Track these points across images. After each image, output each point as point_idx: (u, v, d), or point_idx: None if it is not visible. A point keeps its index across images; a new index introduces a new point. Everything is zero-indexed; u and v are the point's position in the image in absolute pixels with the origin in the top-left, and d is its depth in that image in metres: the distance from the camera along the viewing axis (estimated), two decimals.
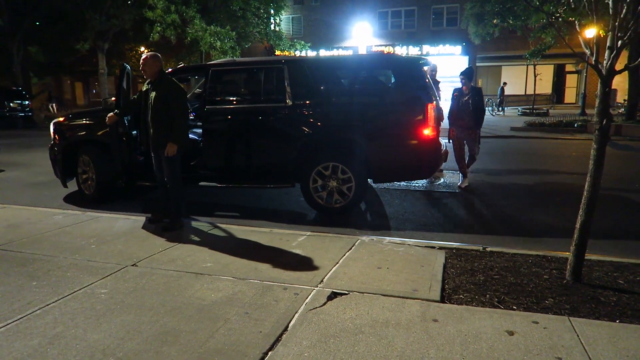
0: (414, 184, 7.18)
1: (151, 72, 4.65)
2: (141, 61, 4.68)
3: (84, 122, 6.29)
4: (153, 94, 4.64)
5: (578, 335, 2.65)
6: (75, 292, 3.27)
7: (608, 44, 3.18)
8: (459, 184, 7.04)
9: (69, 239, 4.48)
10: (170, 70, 6.16)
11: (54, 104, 27.19)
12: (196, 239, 4.50)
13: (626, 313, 2.94)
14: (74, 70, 33.83)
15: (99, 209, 5.77)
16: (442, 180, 7.57)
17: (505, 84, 26.56)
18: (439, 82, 7.66)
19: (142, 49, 26.29)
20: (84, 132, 6.22)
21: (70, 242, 4.38)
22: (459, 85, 6.91)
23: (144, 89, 4.84)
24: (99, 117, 6.35)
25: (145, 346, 2.56)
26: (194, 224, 5.03)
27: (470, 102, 6.69)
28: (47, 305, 3.06)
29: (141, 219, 5.20)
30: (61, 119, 6.48)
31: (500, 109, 24.63)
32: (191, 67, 7.48)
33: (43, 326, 2.78)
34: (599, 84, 3.28)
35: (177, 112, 4.61)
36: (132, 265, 3.77)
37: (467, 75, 6.82)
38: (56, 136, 6.31)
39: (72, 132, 6.25)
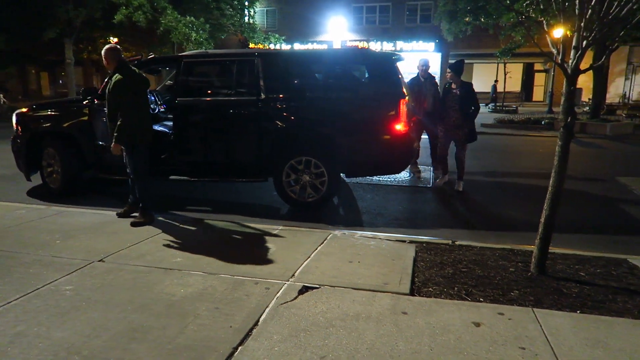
0: (386, 179, 7.24)
1: (108, 64, 4.57)
2: (102, 53, 4.60)
3: (49, 113, 6.08)
4: (109, 86, 4.57)
5: (541, 326, 2.74)
6: (38, 289, 3.16)
7: (574, 43, 3.28)
8: (437, 181, 6.93)
9: (32, 234, 4.33)
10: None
11: (1, 94, 25.86)
12: (166, 233, 4.42)
13: (587, 304, 3.06)
14: (39, 60, 32.55)
15: (64, 203, 5.60)
16: (424, 175, 7.57)
17: (497, 81, 27.20)
18: (433, 77, 7.29)
19: (113, 38, 25.44)
20: (49, 124, 6.02)
21: (34, 237, 4.24)
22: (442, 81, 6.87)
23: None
24: (66, 108, 6.17)
25: (113, 343, 2.51)
26: (164, 218, 4.94)
27: (459, 99, 6.22)
28: (9, 302, 2.95)
29: (109, 213, 5.07)
30: (24, 109, 6.24)
31: (494, 106, 25.63)
32: (162, 59, 7.32)
33: (4, 325, 2.68)
34: (564, 83, 3.37)
35: (122, 111, 4.44)
36: (99, 261, 3.68)
37: (455, 69, 6.34)
38: (19, 127, 6.08)
39: (36, 124, 6.03)
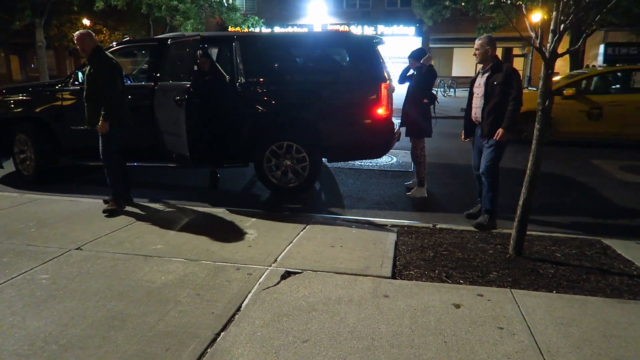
0: (367, 163, 7.26)
1: (84, 48, 4.46)
2: (75, 39, 4.49)
3: (21, 98, 5.88)
4: (86, 71, 4.46)
5: (519, 306, 2.80)
6: (13, 278, 3.08)
7: (551, 27, 3.30)
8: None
9: (5, 222, 4.21)
10: (115, 44, 5.83)
11: None
12: (146, 220, 4.35)
13: (562, 284, 3.14)
14: (8, 43, 31.30)
15: (39, 190, 5.46)
16: (405, 160, 7.60)
17: (589, 66, 26.55)
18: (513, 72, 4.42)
19: (86, 21, 24.56)
20: (20, 109, 5.83)
21: (7, 225, 4.12)
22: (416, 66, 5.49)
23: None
24: (38, 92, 5.96)
25: (91, 332, 2.47)
26: (144, 205, 4.86)
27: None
28: None
29: (85, 200, 4.97)
30: None
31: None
32: (140, 41, 7.13)
33: None
34: (542, 67, 3.40)
35: (109, 91, 4.41)
36: (76, 249, 3.61)
37: (416, 57, 5.40)
38: None
39: (6, 109, 5.83)
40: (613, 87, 9.59)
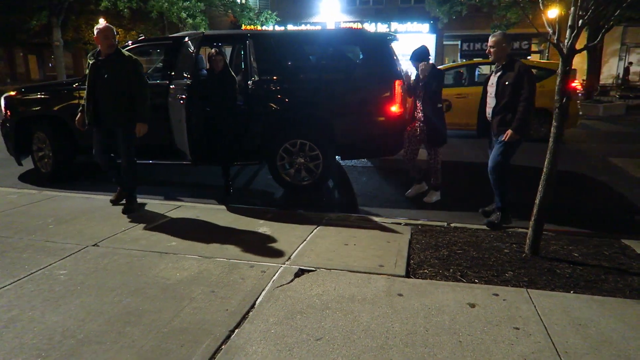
0: (380, 161, 7.23)
1: (111, 43, 4.32)
2: (97, 33, 4.29)
3: (39, 96, 5.98)
4: (110, 69, 4.34)
5: (535, 306, 2.76)
6: (32, 273, 3.14)
7: (569, 23, 3.24)
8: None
9: (24, 219, 4.29)
10: (130, 42, 5.90)
11: None
12: (161, 218, 4.40)
13: (579, 284, 3.09)
14: (26, 42, 31.84)
15: (56, 188, 5.54)
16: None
17: (631, 63, 24.00)
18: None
19: (101, 20, 24.89)
20: (38, 107, 5.92)
21: (26, 222, 4.20)
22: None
23: (91, 61, 4.44)
24: (55, 91, 6.05)
25: (107, 327, 2.50)
26: (158, 203, 4.91)
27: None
28: (2, 288, 2.93)
29: (102, 198, 5.03)
30: (13, 92, 6.13)
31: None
32: (156, 40, 7.18)
33: None
34: (560, 63, 3.35)
35: (142, 90, 4.42)
36: (93, 246, 3.66)
37: (419, 58, 5.07)
38: (7, 111, 5.97)
39: (25, 107, 5.94)
40: (462, 80, 10.21)
